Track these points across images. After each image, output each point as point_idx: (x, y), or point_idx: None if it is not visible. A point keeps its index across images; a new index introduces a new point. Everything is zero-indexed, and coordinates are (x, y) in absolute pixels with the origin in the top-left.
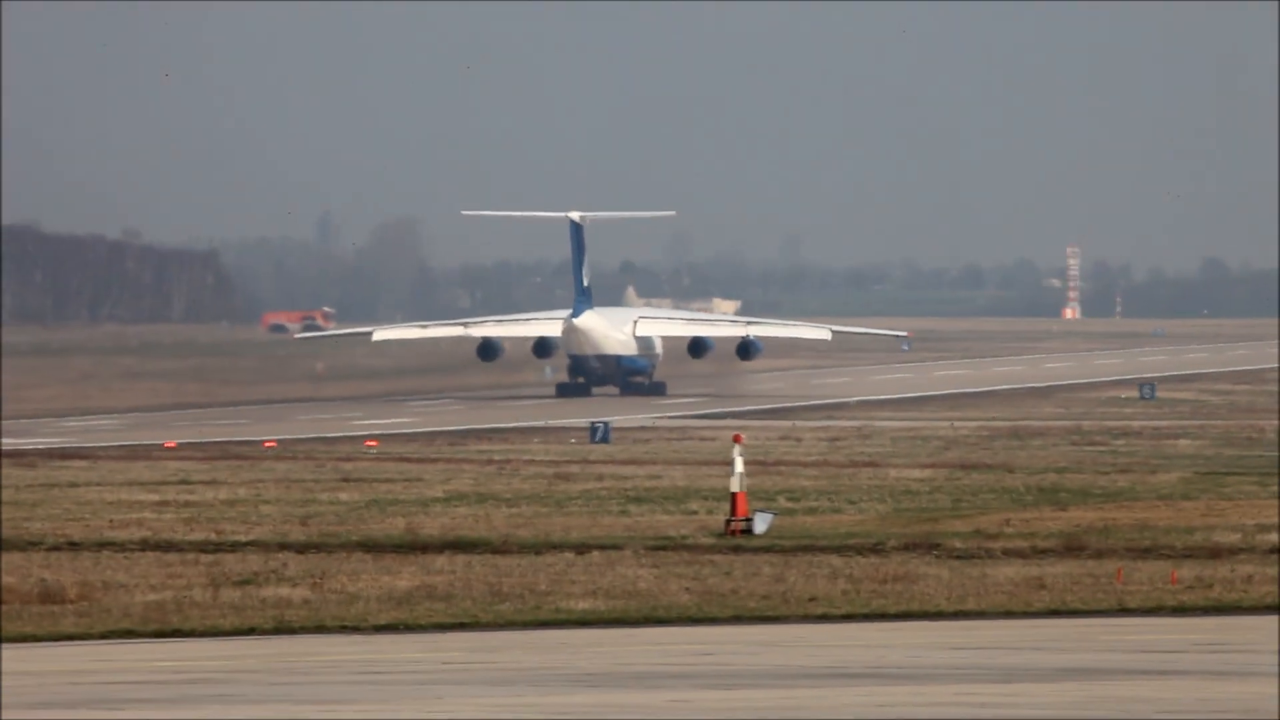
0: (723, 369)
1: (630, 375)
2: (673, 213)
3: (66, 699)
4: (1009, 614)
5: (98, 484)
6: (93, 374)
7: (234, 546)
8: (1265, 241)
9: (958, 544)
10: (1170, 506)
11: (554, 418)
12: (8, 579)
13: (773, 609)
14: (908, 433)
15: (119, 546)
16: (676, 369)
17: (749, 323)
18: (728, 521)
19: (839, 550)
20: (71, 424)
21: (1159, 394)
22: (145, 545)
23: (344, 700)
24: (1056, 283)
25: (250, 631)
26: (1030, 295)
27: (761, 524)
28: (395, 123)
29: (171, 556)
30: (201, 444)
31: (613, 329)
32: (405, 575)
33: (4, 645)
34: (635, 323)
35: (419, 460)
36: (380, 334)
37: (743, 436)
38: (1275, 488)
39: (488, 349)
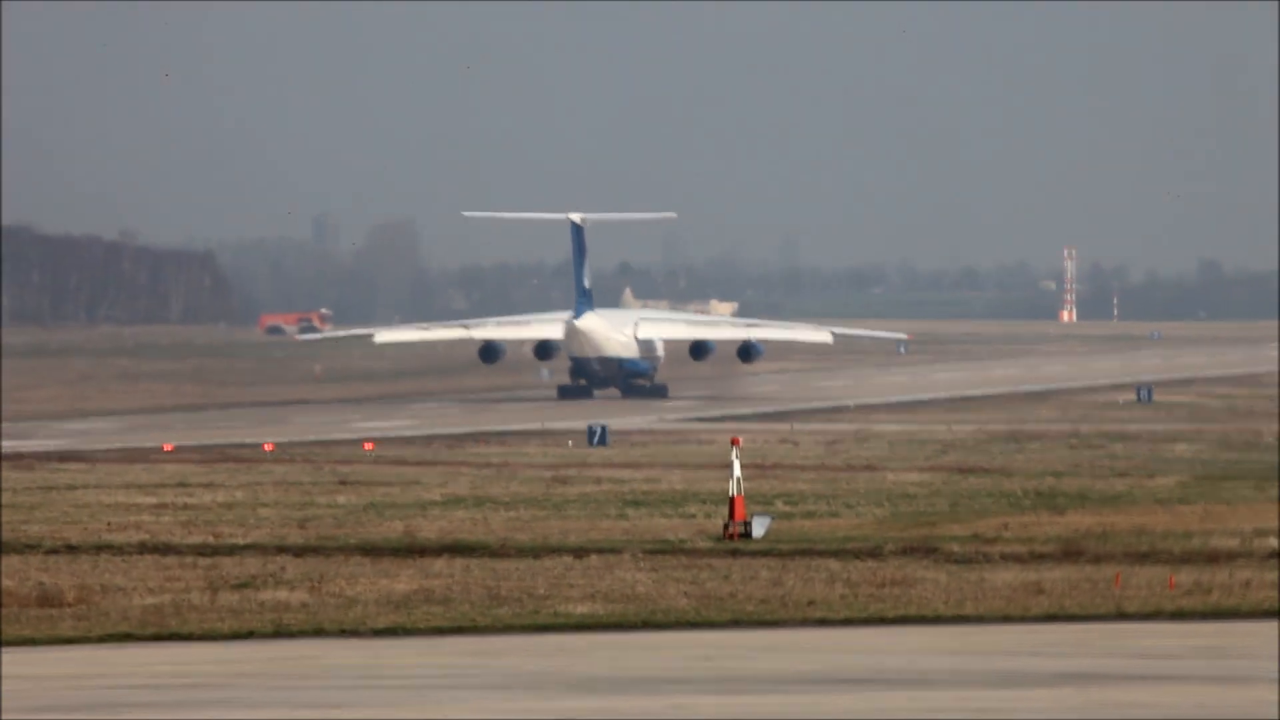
0: (723, 371)
1: (632, 377)
2: (673, 215)
3: (65, 702)
4: (1007, 618)
5: (96, 487)
6: (90, 375)
7: (232, 549)
8: (1263, 243)
9: (955, 548)
10: (1168, 511)
11: (552, 420)
12: (6, 582)
13: (771, 613)
14: (905, 436)
15: (117, 549)
16: (677, 371)
17: (750, 325)
18: (726, 525)
19: (837, 554)
20: (69, 426)
21: (1155, 397)
22: (143, 548)
23: (342, 704)
24: (1052, 285)
25: (249, 635)
26: (1027, 297)
27: (759, 527)
28: (393, 123)
29: (170, 559)
30: (199, 447)
31: (614, 331)
32: (403, 579)
33: (3, 649)
34: (636, 325)
35: (417, 463)
36: (382, 336)
37: (740, 440)
38: (1274, 492)
39: (489, 351)
